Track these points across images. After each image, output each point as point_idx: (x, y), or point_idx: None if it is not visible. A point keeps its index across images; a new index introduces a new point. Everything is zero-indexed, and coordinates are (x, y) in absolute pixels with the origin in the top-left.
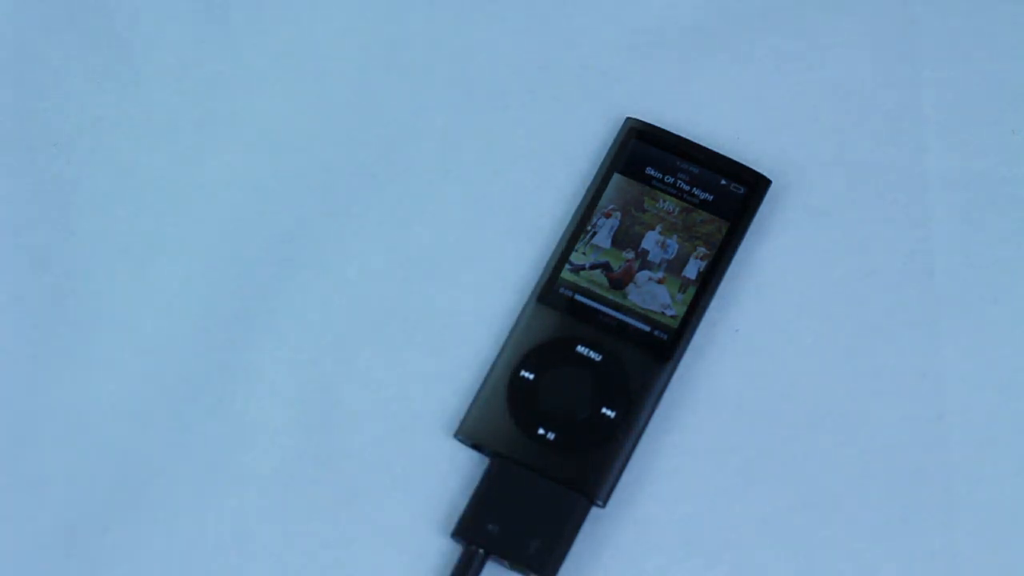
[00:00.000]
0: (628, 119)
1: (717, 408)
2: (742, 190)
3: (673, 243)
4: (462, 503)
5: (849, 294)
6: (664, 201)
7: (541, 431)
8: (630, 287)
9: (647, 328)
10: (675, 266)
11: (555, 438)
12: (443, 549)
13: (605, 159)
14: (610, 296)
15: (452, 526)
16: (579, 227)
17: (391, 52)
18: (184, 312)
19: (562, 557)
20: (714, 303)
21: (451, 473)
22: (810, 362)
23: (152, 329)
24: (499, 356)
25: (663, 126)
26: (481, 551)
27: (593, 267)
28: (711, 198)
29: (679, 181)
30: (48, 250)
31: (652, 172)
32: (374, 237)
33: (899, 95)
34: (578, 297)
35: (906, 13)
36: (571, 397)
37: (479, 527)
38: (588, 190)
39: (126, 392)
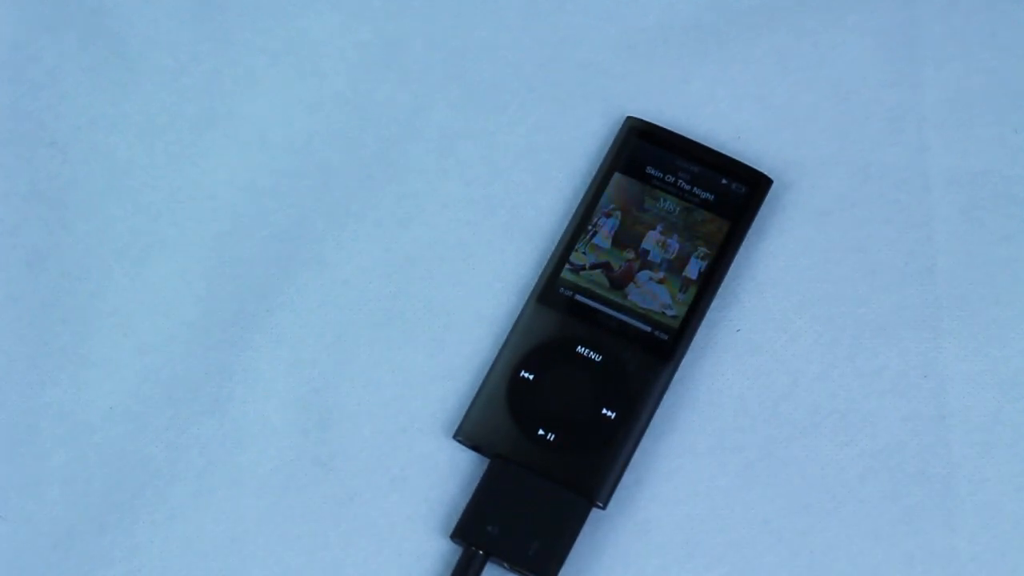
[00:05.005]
0: (628, 118)
1: (718, 408)
2: (743, 189)
3: (674, 243)
4: (462, 504)
5: (850, 294)
6: (665, 200)
7: (541, 432)
8: (630, 287)
9: (647, 328)
10: (676, 266)
11: (555, 439)
12: (442, 551)
13: (605, 158)
14: (610, 296)
15: (452, 528)
16: (579, 227)
17: (389, 50)
18: (181, 312)
19: (562, 559)
20: (715, 303)
21: (451, 474)
22: (811, 362)
23: (149, 329)
24: (499, 357)
25: (664, 125)
26: (481, 553)
27: (593, 267)
28: (712, 197)
29: (680, 180)
30: (44, 249)
31: (653, 171)
32: (373, 237)
33: (900, 94)
34: (578, 297)
35: (907, 12)
36: (571, 398)
37: (479, 528)
38: (588, 189)
39: (123, 392)
